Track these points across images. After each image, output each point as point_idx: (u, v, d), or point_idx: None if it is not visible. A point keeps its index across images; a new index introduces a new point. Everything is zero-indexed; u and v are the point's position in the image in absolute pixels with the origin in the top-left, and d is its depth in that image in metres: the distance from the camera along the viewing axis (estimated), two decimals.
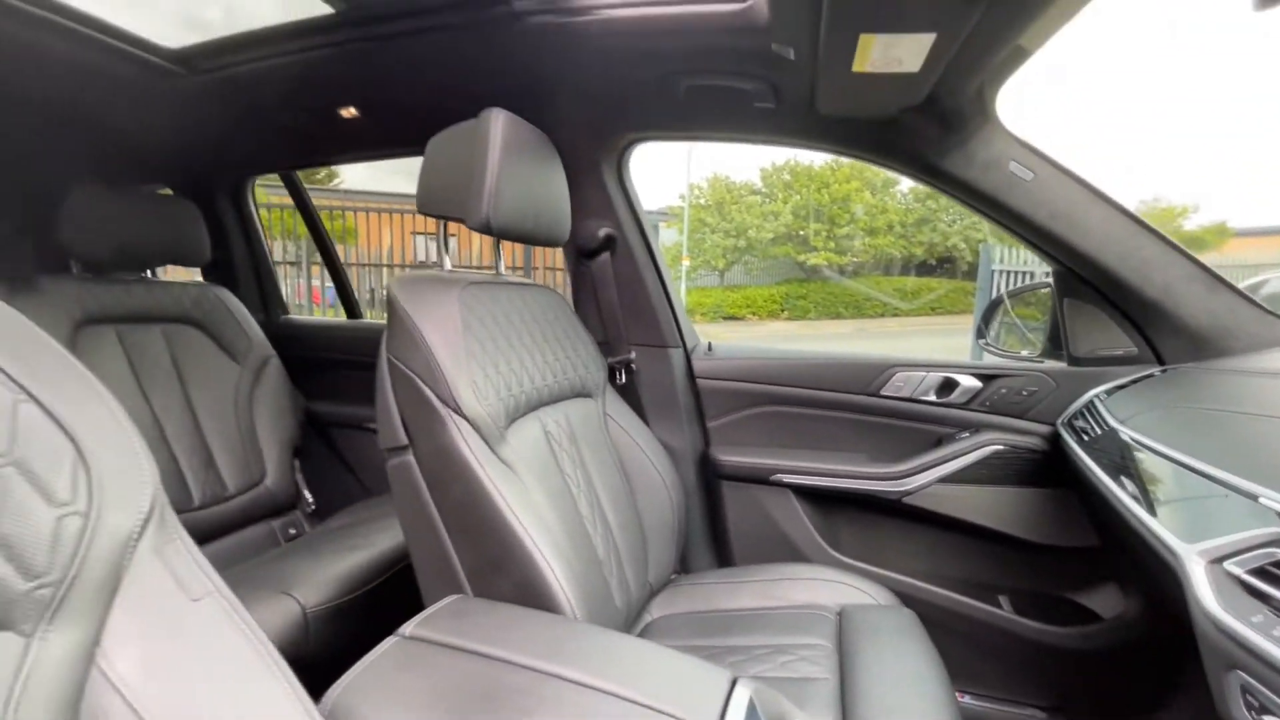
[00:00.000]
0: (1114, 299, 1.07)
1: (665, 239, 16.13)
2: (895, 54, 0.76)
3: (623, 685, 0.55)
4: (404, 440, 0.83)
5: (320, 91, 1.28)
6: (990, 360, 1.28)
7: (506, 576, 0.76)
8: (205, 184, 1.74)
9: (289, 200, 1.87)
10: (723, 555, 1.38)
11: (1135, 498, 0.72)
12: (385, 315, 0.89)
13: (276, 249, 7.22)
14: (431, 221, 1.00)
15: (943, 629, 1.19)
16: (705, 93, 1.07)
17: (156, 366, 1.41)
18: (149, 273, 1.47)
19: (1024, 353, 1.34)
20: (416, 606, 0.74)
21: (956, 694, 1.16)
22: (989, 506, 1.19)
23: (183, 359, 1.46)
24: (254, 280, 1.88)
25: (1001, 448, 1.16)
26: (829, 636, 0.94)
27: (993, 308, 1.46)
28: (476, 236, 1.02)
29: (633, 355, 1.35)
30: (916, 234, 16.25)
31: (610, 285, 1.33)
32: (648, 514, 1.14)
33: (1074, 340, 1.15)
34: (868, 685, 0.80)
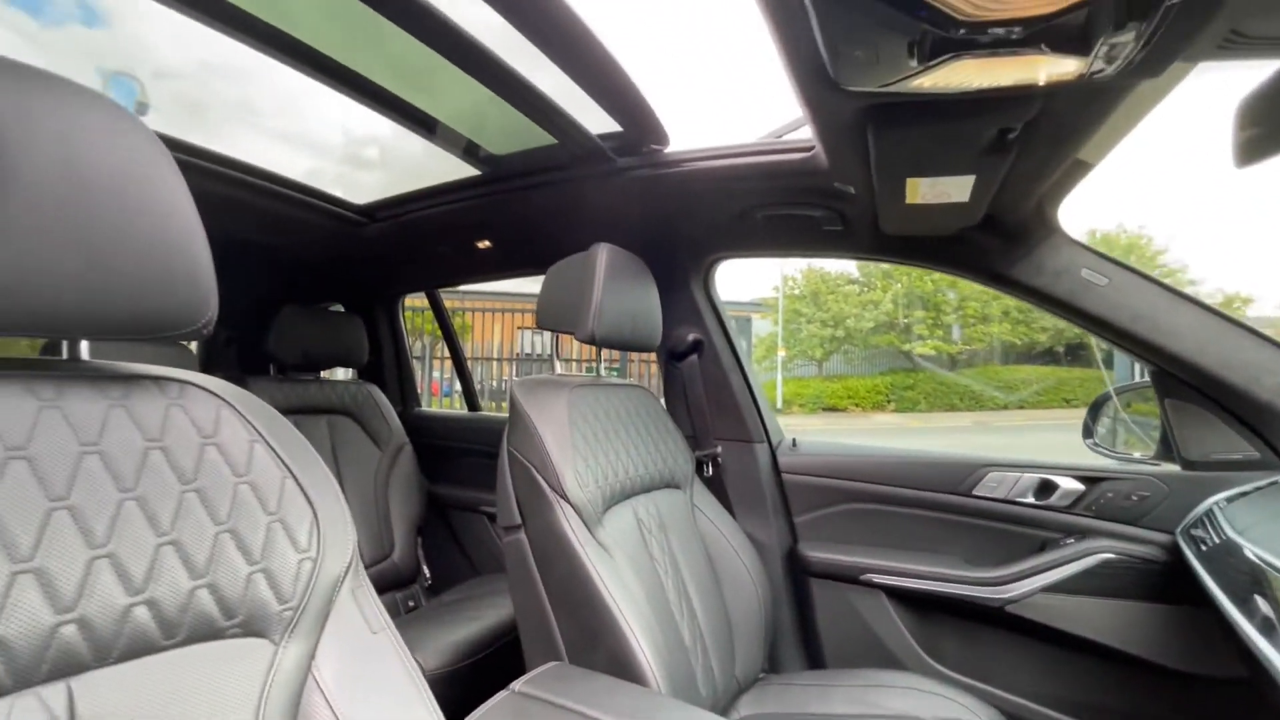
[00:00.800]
0: (1222, 402, 1.03)
1: (759, 329, 16.23)
2: (942, 189, 0.88)
3: None
4: (518, 520, 0.98)
5: (464, 230, 1.60)
6: (1093, 462, 1.23)
7: (600, 649, 0.85)
8: (367, 301, 2.13)
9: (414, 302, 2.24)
10: (813, 656, 1.35)
11: (1268, 626, 0.67)
12: (494, 405, 1.07)
13: None
14: (531, 318, 1.22)
15: None
16: (780, 220, 1.23)
17: (321, 451, 1.71)
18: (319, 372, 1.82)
19: (1136, 454, 1.28)
20: (520, 673, 0.84)
21: None
22: (1106, 621, 1.10)
23: (339, 445, 1.76)
24: (396, 378, 2.22)
25: (1112, 556, 1.10)
26: None
27: (1100, 404, 1.41)
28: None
29: (719, 450, 1.45)
30: (1040, 319, 15.14)
31: (698, 384, 1.46)
32: (734, 607, 1.18)
33: (1184, 443, 1.10)
34: None
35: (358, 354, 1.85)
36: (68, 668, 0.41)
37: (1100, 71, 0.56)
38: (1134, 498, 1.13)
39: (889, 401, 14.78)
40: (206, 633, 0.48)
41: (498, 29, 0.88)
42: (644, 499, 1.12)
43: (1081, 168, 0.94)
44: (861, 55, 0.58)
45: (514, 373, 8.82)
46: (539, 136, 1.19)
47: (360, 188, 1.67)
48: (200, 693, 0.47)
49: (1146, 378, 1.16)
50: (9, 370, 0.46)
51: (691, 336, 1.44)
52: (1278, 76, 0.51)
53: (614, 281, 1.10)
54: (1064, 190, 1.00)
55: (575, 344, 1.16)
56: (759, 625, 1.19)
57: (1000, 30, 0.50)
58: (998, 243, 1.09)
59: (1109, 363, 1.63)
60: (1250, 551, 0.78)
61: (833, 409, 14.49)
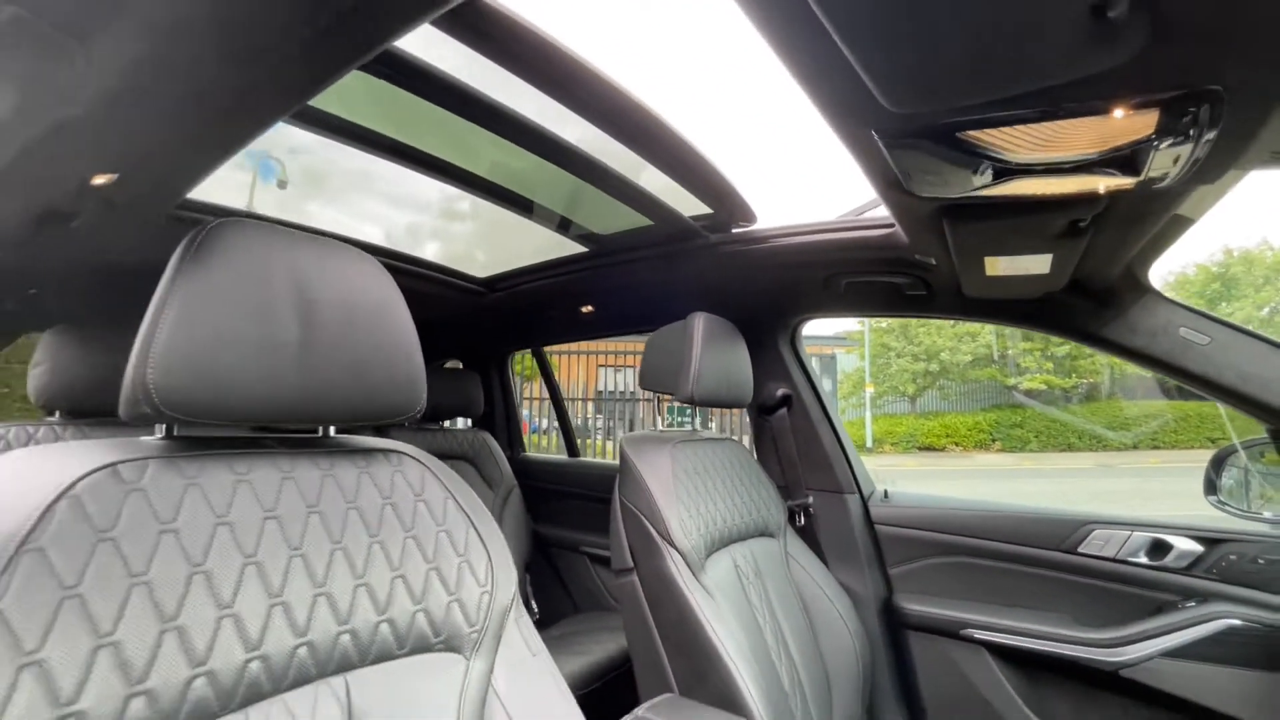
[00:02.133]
0: None
1: (844, 365, 15.70)
2: (1022, 265, 0.94)
3: None
4: (630, 564, 1.10)
5: (570, 297, 1.80)
6: (1212, 521, 1.19)
7: (709, 685, 0.95)
8: (483, 358, 2.40)
9: None
10: (914, 710, 1.36)
11: None
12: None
13: None
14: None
15: None
16: (864, 285, 1.32)
17: None
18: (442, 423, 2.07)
19: (1267, 514, 1.21)
20: (628, 707, 0.95)
21: None
22: (1232, 692, 1.05)
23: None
24: (505, 426, 2.45)
25: (1239, 623, 1.05)
26: None
27: (1224, 457, 1.34)
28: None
29: (810, 500, 1.51)
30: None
31: (788, 436, 1.54)
32: (830, 655, 1.23)
33: None
34: None
35: (476, 406, 2.09)
36: (343, 665, 0.58)
37: (1158, 180, 0.63)
38: (1261, 560, 1.08)
39: (994, 440, 13.70)
40: (423, 646, 0.64)
41: (593, 136, 1.06)
42: (741, 546, 1.21)
43: (1181, 223, 0.96)
44: (931, 178, 0.68)
45: (595, 409, 9.08)
46: (637, 219, 1.36)
47: (454, 237, 1.88)
48: (420, 692, 0.62)
49: (1239, 439, 1.12)
50: (297, 449, 0.65)
51: (780, 391, 1.53)
52: None
53: (709, 346, 1.24)
54: (1157, 252, 1.02)
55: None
56: (856, 675, 1.23)
57: (1054, 162, 0.60)
58: (1087, 304, 1.12)
59: None
60: None
61: (929, 448, 13.63)
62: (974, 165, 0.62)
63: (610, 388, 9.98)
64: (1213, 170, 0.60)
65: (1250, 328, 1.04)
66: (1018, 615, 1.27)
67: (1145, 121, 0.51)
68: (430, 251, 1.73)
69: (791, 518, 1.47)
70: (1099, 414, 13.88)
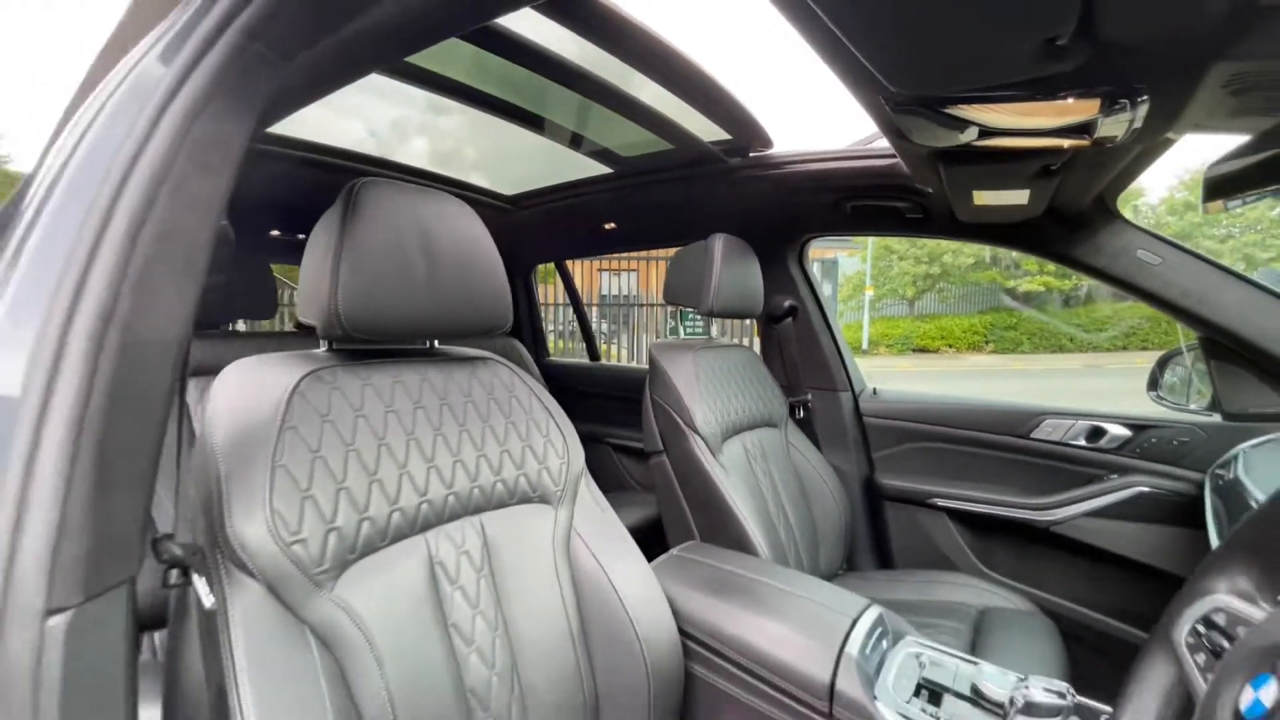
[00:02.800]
0: (1260, 364, 1.19)
1: (845, 268, 15.69)
2: (1004, 197, 1.09)
3: (803, 589, 0.97)
4: (660, 447, 1.35)
5: (594, 215, 1.93)
6: (1141, 411, 1.42)
7: (724, 535, 1.22)
8: (509, 271, 2.55)
9: None
10: (884, 559, 1.68)
11: None
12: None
13: None
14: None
15: (1089, 646, 1.36)
16: (867, 208, 1.46)
17: None
18: None
19: (1193, 407, 1.44)
20: (658, 555, 1.21)
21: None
22: (1138, 542, 1.33)
23: None
24: (530, 333, 2.66)
25: (1147, 489, 1.32)
26: (967, 624, 1.21)
27: (1168, 360, 1.56)
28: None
29: (809, 396, 1.75)
30: None
31: (792, 342, 1.75)
32: (820, 519, 1.52)
33: (1225, 398, 1.27)
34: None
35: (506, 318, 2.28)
36: (478, 508, 0.82)
37: (1109, 140, 0.78)
38: (1175, 443, 1.32)
39: (987, 342, 14.04)
40: (525, 498, 0.88)
41: (615, 65, 1.14)
42: (750, 434, 1.46)
43: (1162, 146, 1.06)
44: (927, 133, 0.83)
45: (598, 315, 9.27)
46: (660, 144, 1.47)
47: (441, 132, 1.87)
48: (528, 529, 0.87)
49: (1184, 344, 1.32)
50: (426, 359, 0.85)
51: (787, 303, 1.72)
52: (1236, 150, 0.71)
53: (727, 265, 1.40)
54: (1122, 185, 1.17)
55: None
56: (840, 534, 1.52)
57: (1025, 128, 0.74)
58: (1061, 229, 1.27)
59: None
60: (1247, 486, 1.00)
61: (923, 350, 14.00)
62: (961, 127, 0.77)
63: (612, 292, 10.11)
64: (1149, 135, 0.74)
65: (1194, 249, 1.21)
66: (975, 488, 1.55)
67: (1092, 105, 0.66)
68: (419, 146, 1.74)
69: (792, 411, 1.71)
70: (1094, 315, 14.09)
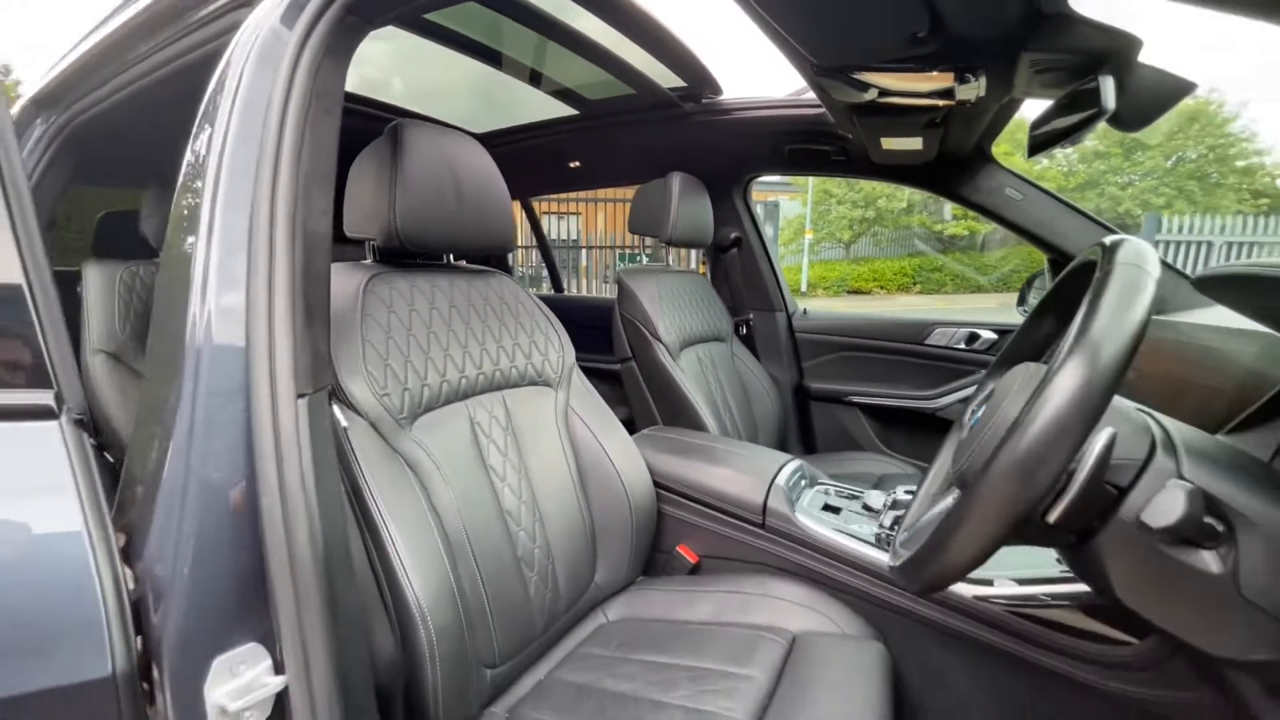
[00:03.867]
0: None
1: (787, 211, 16.11)
2: (903, 143, 1.37)
3: (744, 449, 1.28)
4: (630, 355, 1.62)
5: (561, 154, 2.10)
6: (1005, 320, 1.80)
7: (683, 420, 1.52)
8: None
9: None
10: (809, 446, 2.05)
11: None
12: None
13: None
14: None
15: None
16: (800, 150, 1.72)
17: None
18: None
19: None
20: None
21: None
22: None
23: None
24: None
25: None
26: (868, 485, 1.42)
27: (1031, 280, 1.94)
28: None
29: (751, 316, 2.05)
30: (1079, 199, 14.65)
31: (737, 270, 2.03)
32: (759, 416, 1.84)
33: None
34: None
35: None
36: (501, 386, 1.06)
37: (970, 102, 1.06)
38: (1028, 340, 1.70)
39: (915, 284, 14.97)
40: (533, 381, 1.12)
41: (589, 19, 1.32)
42: (702, 346, 1.74)
43: (1013, 105, 1.37)
44: (843, 92, 1.08)
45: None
46: (623, 88, 1.66)
47: (414, 73, 1.98)
48: (540, 406, 1.12)
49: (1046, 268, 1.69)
50: (452, 271, 1.06)
51: (733, 235, 1.98)
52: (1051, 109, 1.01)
53: (684, 200, 1.64)
54: (995, 132, 1.47)
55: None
56: (774, 426, 1.86)
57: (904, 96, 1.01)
58: (950, 170, 1.58)
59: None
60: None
61: (857, 292, 14.77)
62: (865, 88, 1.03)
63: (558, 236, 10.09)
64: (994, 99, 1.03)
65: (1047, 189, 1.54)
66: (880, 386, 1.91)
67: (948, 77, 0.92)
68: (396, 87, 1.84)
69: (737, 329, 2.01)
70: (1012, 257, 15.18)
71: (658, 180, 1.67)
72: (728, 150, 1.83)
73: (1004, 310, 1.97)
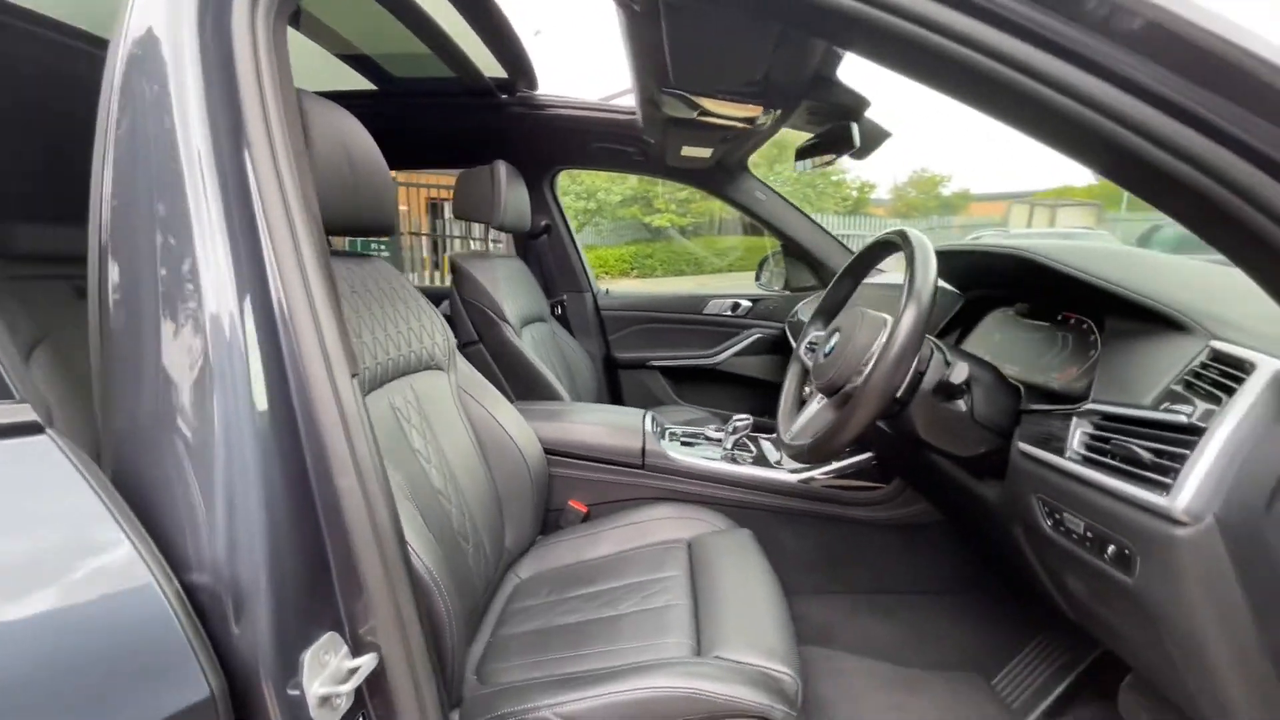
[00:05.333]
0: (805, 260, 2.19)
1: None
2: (698, 151, 1.73)
3: (605, 409, 1.49)
4: (475, 338, 1.65)
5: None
6: (758, 292, 2.38)
7: (536, 394, 1.64)
8: None
9: None
10: (616, 402, 2.36)
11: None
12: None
13: None
14: None
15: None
16: (605, 150, 1.96)
17: None
18: None
19: (776, 287, 2.47)
20: None
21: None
22: (758, 366, 2.29)
23: None
24: None
25: (760, 334, 2.26)
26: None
27: (765, 260, 2.57)
28: None
29: (564, 297, 2.23)
30: None
31: (548, 255, 2.18)
32: (580, 385, 2.05)
33: (791, 280, 2.27)
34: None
35: None
36: (407, 371, 1.05)
37: (763, 126, 1.44)
38: (771, 306, 2.29)
39: (633, 269, 16.85)
40: (428, 366, 1.13)
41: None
42: (532, 327, 1.87)
43: (765, 136, 1.85)
44: (673, 108, 1.35)
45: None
46: (441, 70, 1.65)
47: None
48: (437, 389, 1.13)
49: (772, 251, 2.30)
50: (348, 257, 1.00)
51: (544, 222, 2.12)
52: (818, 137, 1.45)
53: (509, 188, 1.73)
54: (751, 151, 1.94)
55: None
56: (593, 392, 2.10)
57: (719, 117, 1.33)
58: (724, 175, 2.02)
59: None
60: (803, 321, 1.92)
61: None
62: (696, 109, 1.31)
63: None
64: (776, 128, 1.43)
65: (779, 194, 2.10)
66: (674, 350, 2.31)
67: (759, 109, 1.28)
68: None
69: (553, 309, 2.17)
70: (709, 246, 18.19)
71: (483, 167, 1.72)
72: (540, 143, 1.96)
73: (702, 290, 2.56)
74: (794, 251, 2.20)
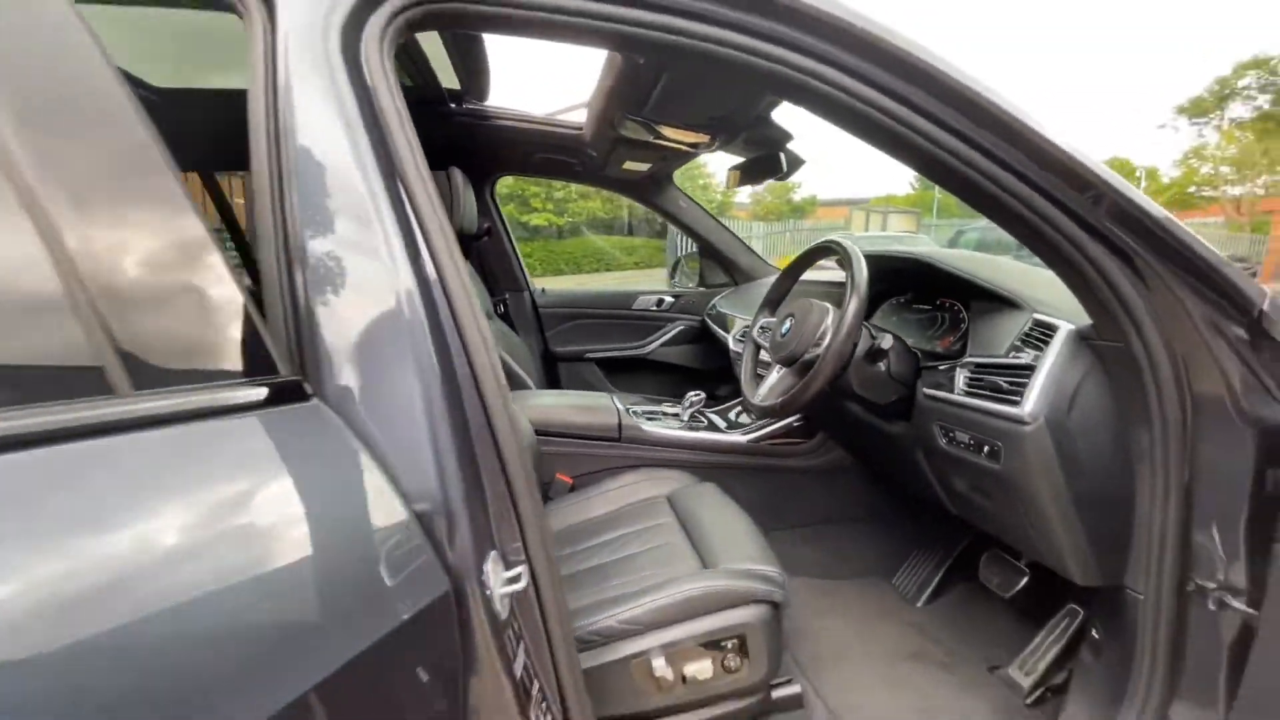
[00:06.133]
0: (718, 260, 2.53)
1: None
2: (638, 166, 1.97)
3: (574, 394, 1.68)
4: None
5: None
6: (663, 289, 2.68)
7: (509, 383, 1.78)
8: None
9: None
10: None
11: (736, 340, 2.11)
12: None
13: None
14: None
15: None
16: (549, 160, 2.13)
17: None
18: None
19: (690, 285, 2.79)
20: None
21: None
22: (682, 354, 2.59)
23: None
24: None
25: (683, 326, 2.57)
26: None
27: (678, 262, 2.88)
28: None
29: (506, 296, 2.36)
30: (627, 203, 18.95)
31: (490, 257, 2.30)
32: (524, 379, 2.20)
33: (707, 278, 2.60)
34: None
35: None
36: None
37: (707, 148, 1.72)
38: (691, 300, 2.60)
39: None
40: None
41: None
42: (490, 323, 1.99)
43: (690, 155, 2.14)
44: (632, 130, 1.58)
45: None
46: (404, 78, 1.73)
47: None
48: None
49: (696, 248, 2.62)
50: None
51: (486, 225, 2.24)
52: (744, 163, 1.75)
53: (466, 192, 1.85)
54: (676, 167, 2.22)
55: None
56: (538, 384, 2.26)
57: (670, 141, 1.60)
58: (653, 187, 2.28)
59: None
60: (724, 313, 2.25)
61: None
62: (654, 133, 1.56)
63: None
64: (710, 150, 1.72)
65: (698, 203, 2.41)
66: (607, 343, 2.54)
67: (708, 136, 1.55)
68: None
69: (496, 307, 2.29)
70: (579, 246, 18.41)
71: (439, 172, 1.81)
72: (486, 151, 2.08)
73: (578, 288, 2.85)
74: (709, 252, 2.53)
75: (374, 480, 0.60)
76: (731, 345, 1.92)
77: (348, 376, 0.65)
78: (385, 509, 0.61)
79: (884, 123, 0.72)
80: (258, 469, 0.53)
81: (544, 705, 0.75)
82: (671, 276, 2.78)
